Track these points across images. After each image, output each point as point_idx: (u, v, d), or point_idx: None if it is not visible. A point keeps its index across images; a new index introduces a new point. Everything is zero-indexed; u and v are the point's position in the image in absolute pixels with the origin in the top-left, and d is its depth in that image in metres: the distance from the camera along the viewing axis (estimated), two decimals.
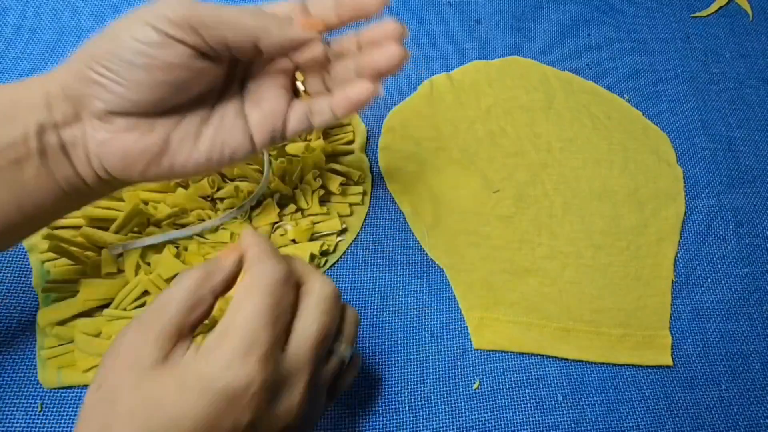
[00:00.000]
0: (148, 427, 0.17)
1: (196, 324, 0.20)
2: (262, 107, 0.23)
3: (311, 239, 0.33)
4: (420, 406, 0.30)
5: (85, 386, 0.29)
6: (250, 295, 0.19)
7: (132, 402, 0.18)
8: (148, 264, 0.30)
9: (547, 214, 0.36)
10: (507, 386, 0.31)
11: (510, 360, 0.32)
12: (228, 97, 0.23)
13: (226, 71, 0.22)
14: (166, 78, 0.20)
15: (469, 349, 0.32)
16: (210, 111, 0.23)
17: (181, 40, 0.19)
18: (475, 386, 0.31)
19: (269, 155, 0.34)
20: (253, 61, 0.23)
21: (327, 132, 0.37)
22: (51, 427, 0.28)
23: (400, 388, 0.31)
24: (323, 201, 0.34)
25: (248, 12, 0.21)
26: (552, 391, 0.31)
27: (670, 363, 0.32)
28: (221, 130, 0.22)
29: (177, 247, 0.31)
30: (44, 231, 0.29)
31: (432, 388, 0.31)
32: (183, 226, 0.32)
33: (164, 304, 0.19)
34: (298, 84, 0.24)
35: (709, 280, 0.36)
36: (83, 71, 0.20)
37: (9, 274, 0.31)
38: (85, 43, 0.20)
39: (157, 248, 0.31)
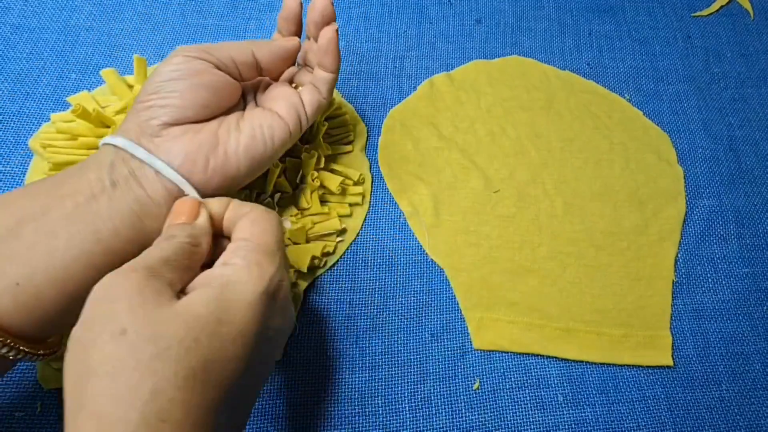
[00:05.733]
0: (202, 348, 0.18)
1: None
2: (279, 97, 0.29)
3: (313, 240, 0.33)
4: (420, 406, 0.30)
5: None
6: (266, 219, 0.23)
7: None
8: None
9: (547, 214, 0.36)
10: (507, 386, 0.31)
11: (510, 360, 0.32)
12: (253, 106, 0.30)
13: (242, 91, 0.29)
14: (199, 81, 0.25)
15: (469, 349, 0.32)
16: (242, 114, 0.28)
17: (200, 58, 0.26)
18: (475, 386, 0.31)
19: None
20: (259, 87, 0.31)
21: (327, 132, 0.37)
22: (50, 427, 0.28)
23: (400, 388, 0.31)
24: (323, 201, 0.34)
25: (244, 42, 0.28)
26: (552, 391, 0.31)
27: (671, 363, 0.32)
28: (255, 117, 0.28)
29: None
30: None
31: (432, 388, 0.31)
32: None
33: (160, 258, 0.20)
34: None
35: (709, 280, 0.36)
36: (137, 107, 0.25)
37: None
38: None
39: None
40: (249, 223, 0.22)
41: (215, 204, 0.24)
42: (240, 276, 0.20)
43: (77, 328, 0.18)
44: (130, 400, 0.16)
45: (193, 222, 0.22)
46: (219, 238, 0.24)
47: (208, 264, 0.22)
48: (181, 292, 0.20)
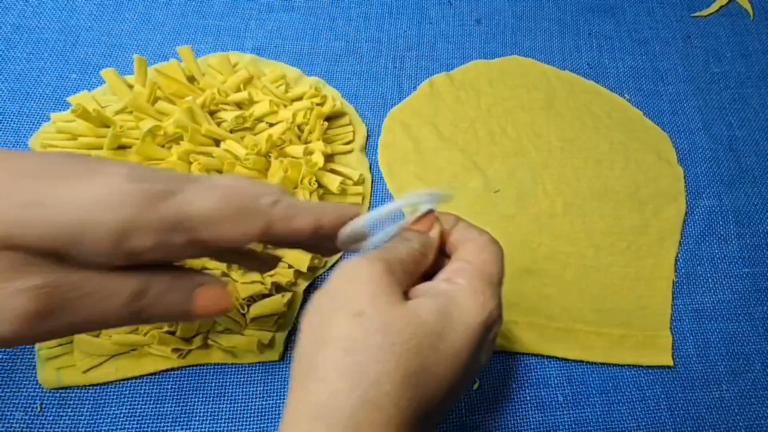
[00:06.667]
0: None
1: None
2: None
3: None
4: None
5: (85, 386, 0.28)
6: (493, 249, 0.22)
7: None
8: None
9: (547, 214, 0.36)
10: (507, 386, 0.31)
11: (510, 360, 0.32)
12: None
13: None
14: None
15: None
16: None
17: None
18: (475, 386, 0.31)
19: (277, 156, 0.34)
20: None
21: (327, 132, 0.37)
22: (50, 427, 0.28)
23: None
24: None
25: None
26: (553, 391, 0.31)
27: (671, 363, 0.32)
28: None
29: None
30: None
31: None
32: None
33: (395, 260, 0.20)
34: None
35: (710, 280, 0.36)
36: None
37: None
38: None
39: None
40: (476, 248, 0.22)
41: (446, 221, 0.23)
42: (463, 298, 0.19)
43: (321, 297, 0.19)
44: (356, 378, 0.17)
45: (427, 233, 0.22)
46: (440, 255, 0.23)
47: (427, 277, 0.22)
48: (404, 295, 0.20)
